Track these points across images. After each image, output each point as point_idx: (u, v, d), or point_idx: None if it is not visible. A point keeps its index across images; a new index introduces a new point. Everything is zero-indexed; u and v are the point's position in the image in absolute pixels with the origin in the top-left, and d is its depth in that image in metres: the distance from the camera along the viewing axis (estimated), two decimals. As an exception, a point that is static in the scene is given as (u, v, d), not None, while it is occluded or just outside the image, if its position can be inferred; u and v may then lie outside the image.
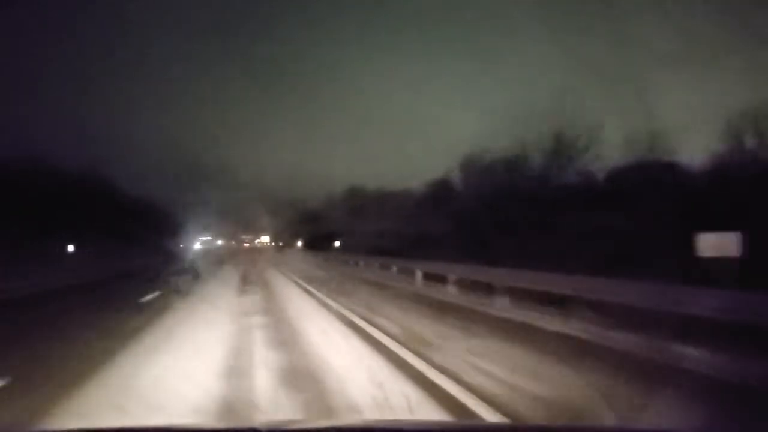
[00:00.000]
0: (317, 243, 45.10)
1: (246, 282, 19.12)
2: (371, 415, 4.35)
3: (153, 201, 53.27)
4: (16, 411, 4.61)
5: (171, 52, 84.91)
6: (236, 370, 6.03)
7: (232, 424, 3.69)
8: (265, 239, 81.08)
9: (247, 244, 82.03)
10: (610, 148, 24.61)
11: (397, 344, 7.10)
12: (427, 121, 65.40)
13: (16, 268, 18.84)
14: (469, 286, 13.05)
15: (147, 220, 47.91)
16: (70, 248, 32.18)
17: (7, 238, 26.19)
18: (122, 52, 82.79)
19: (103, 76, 79.42)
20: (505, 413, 4.28)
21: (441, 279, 14.58)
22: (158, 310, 11.14)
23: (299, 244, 57.62)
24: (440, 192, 35.71)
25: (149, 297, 13.50)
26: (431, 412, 4.49)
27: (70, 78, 73.63)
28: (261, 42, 75.89)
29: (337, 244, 37.78)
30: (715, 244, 7.54)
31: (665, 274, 10.34)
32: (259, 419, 4.26)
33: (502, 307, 10.50)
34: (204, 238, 70.70)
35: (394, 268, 19.92)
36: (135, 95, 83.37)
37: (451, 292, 13.41)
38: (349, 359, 6.56)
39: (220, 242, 77.71)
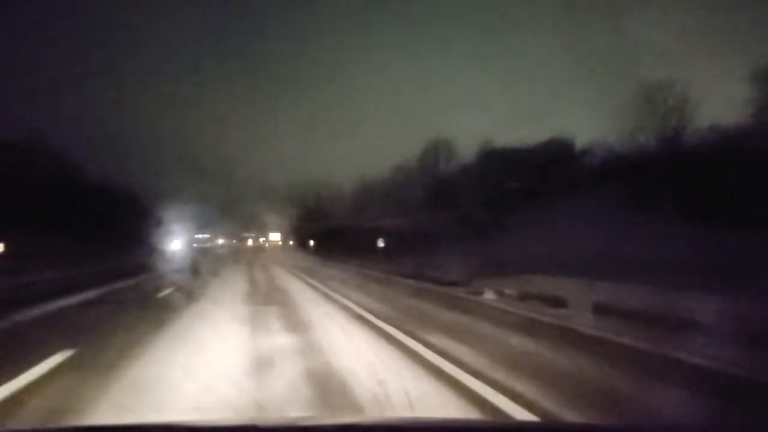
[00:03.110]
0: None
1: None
2: None
3: (126, 189, 41.45)
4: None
5: (171, 50, 76.30)
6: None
7: (232, 422, 3.32)
8: (276, 236, 68.80)
9: (251, 243, 70.72)
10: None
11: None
12: (430, 118, 60.67)
13: None
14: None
15: (115, 212, 36.09)
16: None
17: None
18: (121, 48, 73.48)
19: (102, 71, 71.26)
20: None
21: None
22: None
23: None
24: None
25: None
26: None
27: (67, 73, 64.94)
28: (263, 38, 67.73)
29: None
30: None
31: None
32: (260, 417, 3.91)
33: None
34: (200, 236, 60.04)
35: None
36: (134, 92, 75.29)
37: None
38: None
39: (220, 241, 66.53)
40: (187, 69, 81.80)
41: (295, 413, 3.93)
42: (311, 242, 43.22)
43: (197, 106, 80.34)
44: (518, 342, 6.48)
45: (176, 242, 41.14)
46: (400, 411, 3.97)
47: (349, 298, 11.35)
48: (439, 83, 70.37)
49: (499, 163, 34.14)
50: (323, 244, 40.41)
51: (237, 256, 41.82)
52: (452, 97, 69.34)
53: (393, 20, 69.60)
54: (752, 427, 3.60)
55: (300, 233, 58.49)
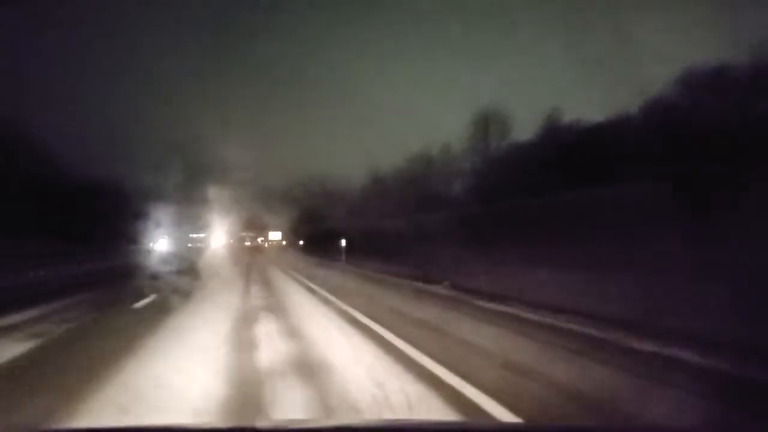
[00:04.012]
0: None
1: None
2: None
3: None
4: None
5: (170, 47, 69.81)
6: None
7: (231, 424, 3.51)
8: (276, 236, 62.29)
9: (249, 243, 64.94)
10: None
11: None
12: (431, 117, 58.14)
13: None
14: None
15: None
16: None
17: None
18: (116, 45, 66.53)
19: (101, 72, 63.98)
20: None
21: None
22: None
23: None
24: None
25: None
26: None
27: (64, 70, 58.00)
28: (262, 37, 61.75)
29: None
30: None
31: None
32: (259, 418, 3.98)
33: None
34: (195, 236, 54.40)
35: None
36: (130, 89, 68.68)
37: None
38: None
39: (216, 241, 60.60)
40: (186, 66, 74.75)
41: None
42: (342, 242, 35.82)
43: (196, 103, 73.82)
44: None
45: (170, 242, 37.28)
46: None
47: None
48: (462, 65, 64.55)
49: (587, 135, 27.79)
50: (360, 247, 33.30)
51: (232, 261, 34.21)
52: (461, 87, 63.76)
53: (394, 11, 63.79)
54: (752, 428, 3.37)
55: (307, 232, 52.16)
